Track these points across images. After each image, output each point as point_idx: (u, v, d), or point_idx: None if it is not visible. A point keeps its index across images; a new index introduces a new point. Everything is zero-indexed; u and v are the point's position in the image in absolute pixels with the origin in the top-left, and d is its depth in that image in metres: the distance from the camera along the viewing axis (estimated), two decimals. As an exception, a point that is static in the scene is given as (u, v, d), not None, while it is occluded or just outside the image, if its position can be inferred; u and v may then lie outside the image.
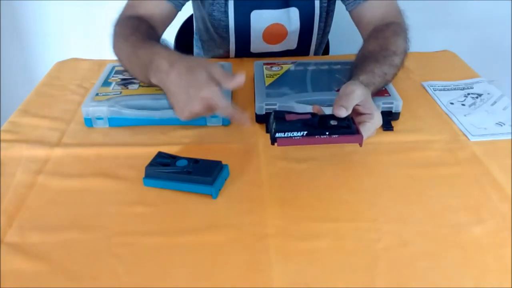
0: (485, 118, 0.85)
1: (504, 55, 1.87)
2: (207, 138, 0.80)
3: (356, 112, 0.71)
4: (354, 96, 0.69)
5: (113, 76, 0.92)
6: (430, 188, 0.69)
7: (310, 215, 0.63)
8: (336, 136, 0.67)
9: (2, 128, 0.83)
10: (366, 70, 0.78)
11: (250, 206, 0.65)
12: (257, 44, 1.08)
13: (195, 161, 0.69)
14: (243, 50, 1.09)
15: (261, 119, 0.83)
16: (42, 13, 1.76)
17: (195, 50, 1.24)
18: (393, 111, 0.83)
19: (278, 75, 0.92)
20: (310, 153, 0.75)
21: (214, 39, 1.12)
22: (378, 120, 0.72)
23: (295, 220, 0.63)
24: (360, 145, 0.69)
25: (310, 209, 0.65)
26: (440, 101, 0.91)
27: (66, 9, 1.73)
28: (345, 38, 1.22)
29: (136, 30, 0.83)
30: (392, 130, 0.82)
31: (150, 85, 0.76)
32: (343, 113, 0.68)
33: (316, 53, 1.16)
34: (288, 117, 0.69)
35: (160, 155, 0.71)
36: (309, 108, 0.75)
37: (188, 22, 1.31)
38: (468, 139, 0.79)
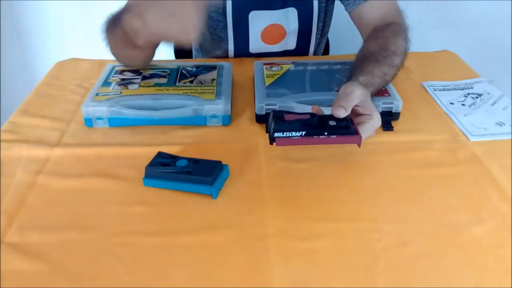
0: (485, 118, 0.85)
1: (504, 55, 1.87)
2: (207, 138, 0.80)
3: (355, 112, 0.72)
4: (353, 96, 0.69)
5: (113, 76, 0.92)
6: (430, 188, 0.69)
7: (310, 215, 0.63)
8: (335, 136, 0.67)
9: (2, 128, 0.83)
10: (365, 70, 0.78)
11: (250, 206, 0.65)
12: (255, 44, 1.08)
13: (195, 161, 0.69)
14: (242, 50, 1.09)
15: (261, 119, 0.83)
16: (42, 13, 1.75)
17: (194, 50, 1.24)
18: (393, 111, 0.83)
19: (278, 75, 0.92)
20: (310, 153, 0.75)
21: (212, 39, 1.12)
22: (377, 121, 0.72)
23: (295, 220, 0.63)
24: (359, 145, 0.69)
25: (310, 209, 0.65)
26: (440, 101, 0.91)
27: (66, 9, 1.73)
28: (345, 38, 1.22)
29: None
30: (392, 130, 0.82)
31: (136, 46, 0.74)
32: (342, 113, 0.68)
33: (315, 53, 1.16)
34: (287, 117, 0.69)
35: (160, 155, 0.71)
36: (308, 108, 0.75)
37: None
38: (468, 139, 0.79)
